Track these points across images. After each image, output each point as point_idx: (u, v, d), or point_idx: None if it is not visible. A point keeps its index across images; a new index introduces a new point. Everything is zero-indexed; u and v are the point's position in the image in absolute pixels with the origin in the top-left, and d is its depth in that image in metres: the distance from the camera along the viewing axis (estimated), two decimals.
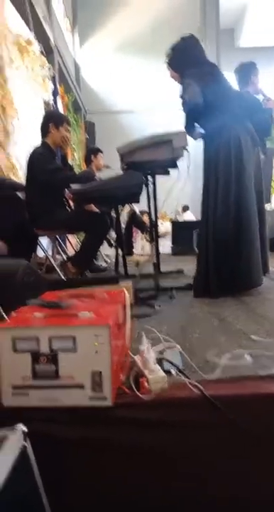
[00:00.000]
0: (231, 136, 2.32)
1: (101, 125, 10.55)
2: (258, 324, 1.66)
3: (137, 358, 1.12)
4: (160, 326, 1.66)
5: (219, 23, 11.10)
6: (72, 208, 3.29)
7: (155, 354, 1.14)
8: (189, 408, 1.00)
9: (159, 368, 1.08)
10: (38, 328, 0.95)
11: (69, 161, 3.40)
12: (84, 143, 9.00)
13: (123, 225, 4.26)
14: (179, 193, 2.85)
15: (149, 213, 2.88)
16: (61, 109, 6.28)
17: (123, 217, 4.29)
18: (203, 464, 1.01)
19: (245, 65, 3.41)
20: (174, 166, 2.72)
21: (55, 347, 0.94)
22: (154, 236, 2.86)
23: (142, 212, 5.30)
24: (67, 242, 4.54)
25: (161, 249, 3.32)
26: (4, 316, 1.38)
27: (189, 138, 2.48)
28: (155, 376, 1.03)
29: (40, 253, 3.43)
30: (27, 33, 4.71)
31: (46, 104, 5.18)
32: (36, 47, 4.65)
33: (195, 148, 2.73)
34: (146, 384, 1.01)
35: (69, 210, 3.17)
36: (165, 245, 5.67)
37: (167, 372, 1.09)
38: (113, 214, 3.51)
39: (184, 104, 2.43)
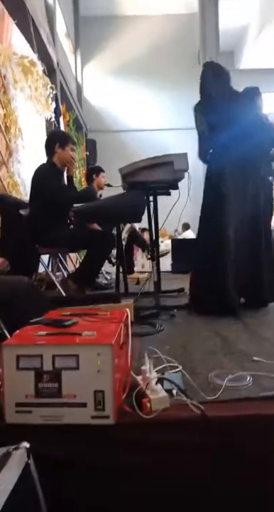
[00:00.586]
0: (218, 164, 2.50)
1: (102, 143, 10.70)
2: (259, 345, 1.66)
3: (139, 378, 1.13)
4: (162, 345, 1.67)
5: (219, 45, 11.37)
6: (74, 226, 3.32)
7: (157, 374, 1.14)
8: (191, 428, 1.00)
9: (161, 388, 1.09)
10: (42, 346, 0.97)
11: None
12: (85, 160, 9.11)
13: (123, 243, 4.28)
14: (179, 213, 2.89)
15: (150, 231, 2.90)
16: (62, 128, 6.39)
17: (124, 235, 4.31)
18: (204, 485, 1.00)
19: (250, 89, 3.46)
20: (175, 187, 2.77)
21: (58, 365, 0.95)
22: (155, 254, 2.87)
23: (142, 230, 5.34)
24: (68, 258, 4.56)
25: (161, 267, 3.34)
26: (7, 334, 1.39)
27: (190, 160, 2.53)
28: (158, 397, 1.04)
29: (40, 269, 3.44)
30: (31, 54, 4.83)
31: (48, 122, 5.28)
32: (39, 67, 4.77)
33: (195, 170, 2.77)
34: (148, 404, 1.02)
35: (71, 228, 3.20)
36: (165, 263, 5.68)
37: (169, 392, 1.10)
38: (114, 232, 3.54)
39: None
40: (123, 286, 3.25)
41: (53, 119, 5.41)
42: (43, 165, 3.05)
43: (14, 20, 4.34)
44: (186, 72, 12.10)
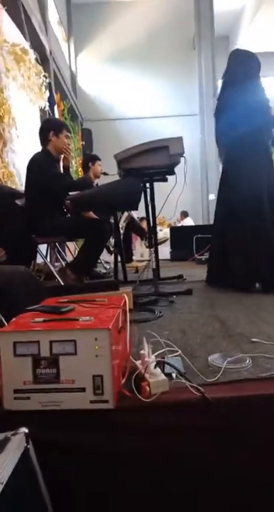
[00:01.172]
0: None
1: (97, 132, 10.61)
2: (259, 328, 1.66)
3: (138, 363, 1.13)
4: (161, 330, 1.67)
5: (214, 30, 11.22)
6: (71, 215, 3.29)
7: (156, 358, 1.14)
8: (191, 411, 1.00)
9: (160, 371, 1.08)
10: (39, 332, 0.96)
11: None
12: (81, 150, 9.04)
13: (121, 232, 4.27)
14: (177, 199, 2.87)
15: (147, 218, 2.89)
16: (57, 116, 6.32)
17: (121, 224, 4.29)
18: (205, 466, 1.01)
19: None
20: (172, 172, 2.74)
21: (55, 351, 0.94)
22: (153, 242, 2.86)
23: (141, 219, 5.31)
24: (66, 248, 4.55)
25: (160, 255, 3.33)
26: (4, 322, 1.38)
27: (186, 146, 2.52)
28: (157, 380, 1.03)
29: (38, 260, 3.43)
30: (23, 42, 4.75)
31: (42, 111, 5.22)
32: (32, 55, 4.69)
33: (192, 155, 2.76)
34: (147, 388, 1.01)
35: (68, 216, 3.17)
36: (164, 251, 5.68)
37: (168, 375, 1.09)
38: (112, 220, 3.52)
39: None
40: (122, 275, 3.24)
41: (47, 108, 5.35)
42: (38, 154, 3.02)
43: (4, 6, 4.26)
44: (181, 57, 11.97)
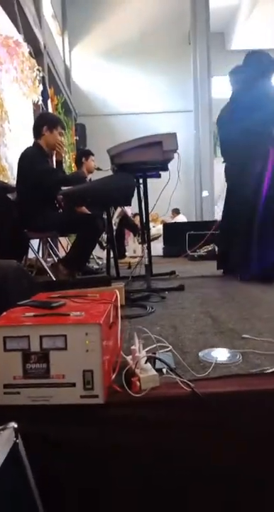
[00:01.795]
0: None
1: (91, 127, 10.56)
2: (251, 324, 1.67)
3: (129, 358, 1.13)
4: (153, 326, 1.67)
5: (209, 26, 11.19)
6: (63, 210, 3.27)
7: (147, 353, 1.14)
8: (181, 406, 1.00)
9: (150, 366, 1.08)
10: (29, 326, 0.95)
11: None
12: (75, 145, 8.99)
13: (114, 227, 4.26)
14: (170, 196, 2.87)
15: (140, 214, 2.89)
16: (51, 111, 6.27)
17: (114, 220, 4.28)
18: (195, 461, 1.01)
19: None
20: (165, 168, 2.74)
21: (45, 346, 0.94)
22: (146, 238, 2.86)
23: (135, 215, 5.31)
24: (59, 244, 4.52)
25: (153, 252, 3.33)
26: None
27: (181, 142, 2.53)
28: (147, 375, 1.04)
29: (30, 255, 3.41)
30: (16, 35, 4.70)
31: (35, 105, 5.17)
32: (25, 49, 4.64)
33: (186, 151, 2.77)
34: (138, 383, 1.02)
35: (60, 212, 3.15)
36: (157, 247, 5.68)
37: (159, 371, 1.09)
38: (104, 216, 3.51)
39: None
40: (115, 271, 3.24)
41: (41, 103, 5.30)
42: (29, 148, 2.99)
43: None
44: (177, 53, 11.94)
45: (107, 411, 0.96)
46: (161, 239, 5.93)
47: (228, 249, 3.11)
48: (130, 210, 5.63)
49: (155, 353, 1.20)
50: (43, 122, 3.01)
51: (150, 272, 2.82)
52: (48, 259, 3.76)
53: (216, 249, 4.75)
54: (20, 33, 5.13)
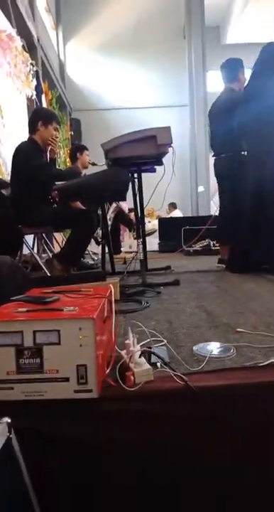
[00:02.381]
0: None
1: (86, 122, 10.52)
2: (245, 318, 1.67)
3: (123, 352, 1.13)
4: (147, 321, 1.67)
5: (204, 20, 11.13)
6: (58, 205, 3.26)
7: (141, 348, 1.14)
8: (175, 399, 1.00)
9: (144, 361, 1.08)
10: (22, 322, 0.95)
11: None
12: (70, 140, 8.94)
13: (109, 223, 4.25)
14: (165, 191, 2.87)
15: (135, 209, 2.88)
16: (45, 106, 6.23)
17: (109, 215, 4.27)
18: (189, 456, 1.01)
19: (232, 60, 3.42)
20: (160, 162, 2.73)
21: (39, 341, 0.93)
22: (141, 233, 2.86)
23: (130, 210, 5.30)
24: (53, 239, 4.51)
25: (148, 247, 3.33)
26: None
27: (175, 137, 2.53)
28: (141, 369, 1.04)
29: (25, 251, 3.40)
30: (9, 29, 4.65)
31: (29, 100, 5.13)
32: (18, 42, 4.59)
33: (181, 146, 2.76)
34: (132, 377, 1.01)
35: (55, 207, 3.14)
36: (152, 243, 5.68)
37: (153, 365, 1.09)
38: (99, 212, 3.50)
39: None
40: (110, 266, 3.24)
41: (34, 97, 5.26)
42: (24, 143, 2.97)
43: None
44: (171, 47, 11.87)
45: (101, 405, 0.96)
46: (157, 234, 5.93)
47: (244, 244, 3.02)
48: (127, 205, 5.62)
49: (149, 348, 1.20)
50: (38, 117, 2.99)
51: (145, 267, 2.82)
52: (43, 255, 3.75)
53: (212, 244, 4.77)
54: (13, 27, 5.08)
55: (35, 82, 5.21)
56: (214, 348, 1.27)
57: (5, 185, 3.07)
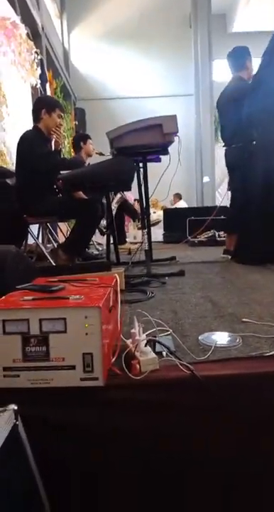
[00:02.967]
0: None
1: (91, 112, 10.44)
2: (251, 308, 1.67)
3: (129, 341, 1.13)
4: (152, 311, 1.67)
5: (211, 8, 10.95)
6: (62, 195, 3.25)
7: (147, 337, 1.14)
8: (180, 388, 1.00)
9: (150, 350, 1.08)
10: (28, 310, 0.95)
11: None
12: (74, 130, 8.89)
13: (113, 213, 4.23)
14: (170, 181, 2.85)
15: (140, 199, 2.86)
16: (49, 95, 6.18)
17: (113, 206, 4.25)
18: (194, 445, 1.02)
19: (239, 49, 3.37)
20: (166, 152, 2.70)
21: (45, 329, 0.93)
22: (146, 223, 2.84)
23: (136, 201, 5.28)
24: (58, 229, 4.51)
25: (153, 238, 3.32)
26: None
27: (181, 126, 2.50)
28: (147, 358, 1.04)
29: (30, 241, 3.40)
30: (13, 16, 4.60)
31: (34, 89, 5.09)
32: (23, 30, 4.55)
33: (187, 136, 2.74)
34: (137, 366, 1.01)
35: (60, 197, 3.13)
36: (157, 233, 5.67)
37: (159, 354, 1.09)
38: (104, 201, 3.49)
39: None
40: (115, 257, 3.23)
41: (39, 86, 5.22)
42: (28, 131, 2.95)
43: None
44: (177, 35, 11.72)
45: (107, 393, 0.96)
46: (161, 225, 5.91)
47: (254, 235, 2.99)
48: (132, 195, 5.60)
49: (155, 337, 1.20)
50: (41, 106, 2.96)
51: (150, 257, 2.81)
52: (48, 245, 3.75)
53: (217, 235, 4.75)
54: (17, 15, 5.03)
55: (39, 71, 5.16)
56: (220, 337, 1.27)
57: (9, 174, 3.06)
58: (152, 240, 3.16)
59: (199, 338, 1.28)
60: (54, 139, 3.01)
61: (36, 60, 4.99)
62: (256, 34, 9.40)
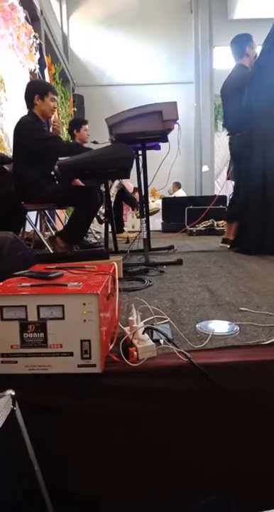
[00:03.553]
0: None
1: (90, 98, 10.31)
2: (248, 297, 1.67)
3: (126, 329, 1.13)
4: (150, 299, 1.67)
5: None
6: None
7: (145, 325, 1.14)
8: (177, 375, 1.01)
9: (148, 337, 1.09)
10: (26, 296, 0.95)
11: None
12: (72, 117, 8.78)
13: (112, 199, 4.20)
14: (170, 169, 2.83)
15: (138, 187, 2.84)
16: (48, 80, 6.08)
17: (112, 191, 4.22)
18: (191, 429, 1.03)
19: (240, 36, 3.33)
20: (165, 139, 2.68)
21: (43, 315, 0.93)
22: (144, 211, 2.83)
23: (135, 190, 5.24)
24: (56, 218, 4.49)
25: (152, 227, 3.31)
26: None
27: (181, 114, 2.47)
28: (144, 345, 1.04)
29: (28, 228, 3.38)
30: None
31: (32, 74, 5.01)
32: (21, 14, 4.45)
33: (186, 124, 2.71)
34: (135, 353, 1.02)
35: (58, 183, 3.10)
36: (156, 223, 5.65)
37: (156, 341, 1.10)
38: (102, 188, 3.46)
39: None
40: (113, 245, 3.22)
41: (37, 71, 5.14)
42: (25, 117, 2.90)
43: None
44: (178, 21, 11.53)
45: (104, 380, 0.97)
46: (160, 214, 5.89)
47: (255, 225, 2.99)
48: (132, 184, 5.56)
49: (152, 325, 1.20)
50: (33, 92, 2.90)
51: (148, 246, 2.80)
52: (46, 233, 3.73)
53: (215, 224, 4.74)
54: None
55: (38, 56, 5.07)
56: (217, 326, 1.28)
57: (7, 160, 3.02)
58: (151, 228, 3.15)
59: (197, 326, 1.29)
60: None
61: (35, 45, 4.91)
62: (258, 21, 9.23)
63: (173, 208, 5.61)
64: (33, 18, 6.02)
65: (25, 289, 0.99)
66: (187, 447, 1.02)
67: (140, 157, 2.84)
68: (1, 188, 2.76)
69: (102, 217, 4.15)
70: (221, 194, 5.24)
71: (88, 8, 11.71)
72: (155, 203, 6.52)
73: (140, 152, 2.82)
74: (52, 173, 3.04)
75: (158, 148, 2.85)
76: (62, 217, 4.62)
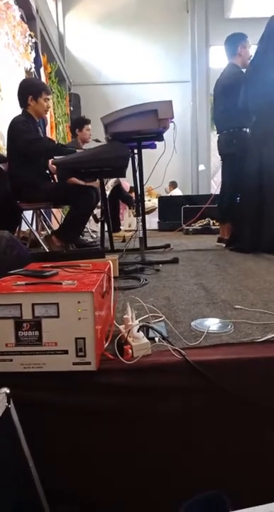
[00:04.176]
0: None
1: (86, 97, 10.29)
2: (243, 295, 1.68)
3: (121, 327, 1.13)
4: (146, 297, 1.68)
5: None
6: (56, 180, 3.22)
7: (140, 323, 1.14)
8: (172, 373, 1.01)
9: (143, 335, 1.09)
10: (21, 294, 0.95)
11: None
12: (69, 116, 8.77)
13: (107, 193, 4.20)
14: (165, 168, 2.83)
15: (134, 186, 2.85)
16: (43, 79, 6.07)
17: (108, 186, 4.22)
18: (185, 426, 1.03)
19: (234, 35, 3.34)
20: (161, 138, 2.68)
21: (38, 313, 0.94)
22: (140, 210, 2.83)
23: (131, 189, 5.25)
24: (52, 217, 4.48)
25: (148, 226, 3.31)
26: None
27: (177, 113, 2.48)
28: (139, 343, 1.04)
29: (24, 227, 3.38)
30: None
31: (28, 73, 4.99)
32: (17, 12, 4.44)
33: (182, 121, 2.71)
34: (130, 350, 1.02)
35: (54, 182, 3.10)
36: (152, 221, 5.66)
37: (151, 339, 1.10)
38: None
39: None
40: (109, 244, 3.23)
41: (33, 70, 5.12)
42: (17, 117, 2.89)
43: None
44: (174, 20, 11.53)
45: (99, 378, 0.97)
46: (156, 213, 5.90)
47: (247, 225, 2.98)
48: (128, 183, 5.56)
49: (148, 323, 1.20)
50: (27, 92, 2.89)
51: (144, 244, 2.81)
52: (42, 232, 3.73)
53: (211, 223, 4.75)
54: None
55: (33, 55, 5.06)
56: (212, 323, 1.28)
57: (2, 159, 3.02)
58: (147, 227, 3.15)
59: (192, 324, 1.29)
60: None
61: (30, 43, 4.89)
62: (254, 20, 9.25)
63: (169, 206, 5.61)
64: (29, 17, 6.00)
65: (20, 288, 0.99)
66: (182, 445, 1.03)
67: (136, 156, 2.85)
68: None
69: (98, 217, 4.15)
70: (217, 193, 5.24)
71: (84, 7, 11.69)
72: (151, 202, 6.53)
73: (136, 151, 2.82)
74: (47, 171, 3.04)
75: (154, 147, 2.86)
76: (58, 216, 4.61)
